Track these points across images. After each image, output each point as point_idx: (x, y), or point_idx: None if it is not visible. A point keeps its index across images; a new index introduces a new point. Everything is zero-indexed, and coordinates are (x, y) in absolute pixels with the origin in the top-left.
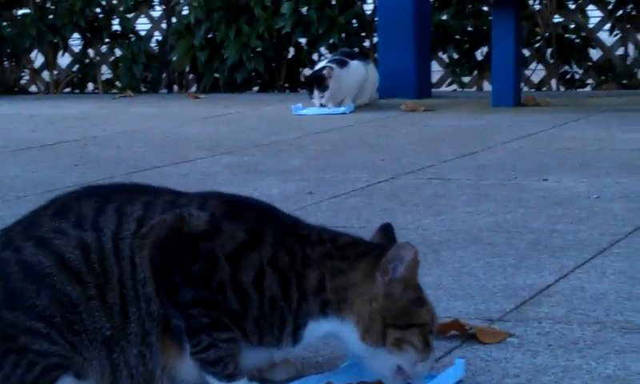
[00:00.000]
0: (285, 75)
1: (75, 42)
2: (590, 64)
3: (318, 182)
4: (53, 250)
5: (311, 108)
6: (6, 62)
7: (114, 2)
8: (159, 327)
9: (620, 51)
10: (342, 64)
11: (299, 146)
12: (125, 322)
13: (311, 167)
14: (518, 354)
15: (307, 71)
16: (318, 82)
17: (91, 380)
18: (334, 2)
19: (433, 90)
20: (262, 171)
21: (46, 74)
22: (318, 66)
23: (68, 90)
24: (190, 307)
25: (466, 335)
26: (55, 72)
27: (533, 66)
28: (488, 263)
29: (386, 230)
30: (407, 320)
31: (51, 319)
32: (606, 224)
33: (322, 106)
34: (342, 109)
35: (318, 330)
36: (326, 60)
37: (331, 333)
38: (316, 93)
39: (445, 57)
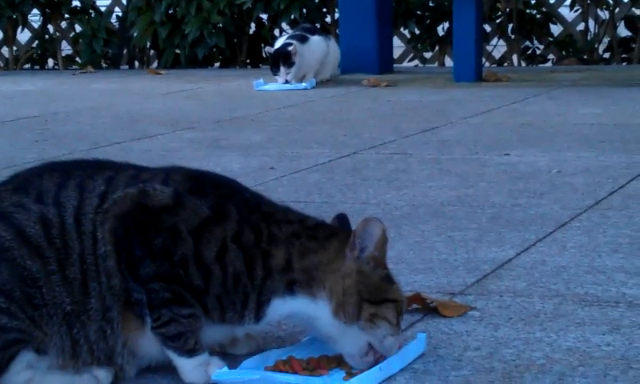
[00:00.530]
0: (246, 51)
1: (34, 17)
2: (550, 39)
3: (279, 157)
4: (13, 223)
5: (273, 84)
6: None
7: None
8: (120, 302)
9: (581, 26)
10: (303, 40)
11: (261, 122)
12: (85, 297)
13: (273, 143)
14: (480, 327)
15: (269, 48)
16: (284, 58)
17: (51, 355)
18: None
19: (395, 65)
20: (223, 147)
21: (5, 50)
22: (278, 42)
23: (28, 66)
24: (152, 281)
25: (428, 309)
26: (14, 48)
27: (494, 41)
28: (449, 237)
29: (341, 219)
30: (381, 295)
31: (11, 293)
32: (567, 198)
33: (286, 82)
34: (304, 84)
35: (283, 307)
36: (287, 36)
37: (298, 311)
38: (282, 69)
39: (406, 32)
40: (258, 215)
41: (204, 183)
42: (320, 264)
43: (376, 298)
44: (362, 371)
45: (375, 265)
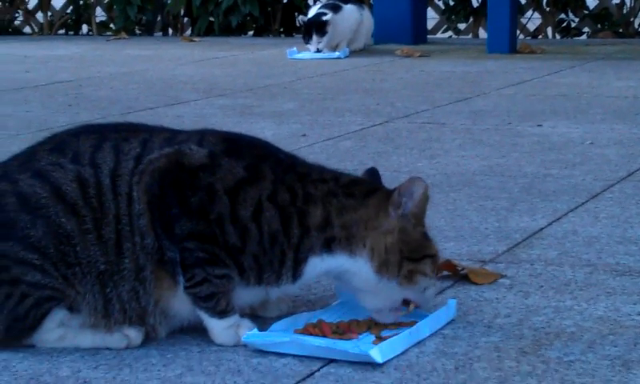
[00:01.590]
0: (280, 19)
1: None
2: (586, 12)
3: (311, 124)
4: (50, 181)
5: (306, 52)
6: None
7: None
8: (153, 261)
9: (616, 0)
10: (336, 9)
11: (293, 90)
12: (119, 258)
13: (305, 110)
14: (510, 295)
15: (302, 16)
16: (317, 27)
17: (84, 314)
18: None
19: (428, 36)
20: (255, 114)
21: (39, 15)
22: (311, 11)
23: (62, 31)
24: (187, 240)
25: (459, 276)
26: (49, 13)
27: (529, 13)
28: (481, 206)
29: (372, 173)
30: (421, 252)
31: (45, 250)
32: (600, 169)
33: (318, 50)
34: (337, 53)
35: (320, 265)
36: (320, 4)
37: (337, 268)
38: (315, 38)
39: (440, 3)
40: (292, 175)
41: (239, 145)
42: (360, 221)
43: (416, 254)
44: (391, 336)
45: (416, 222)
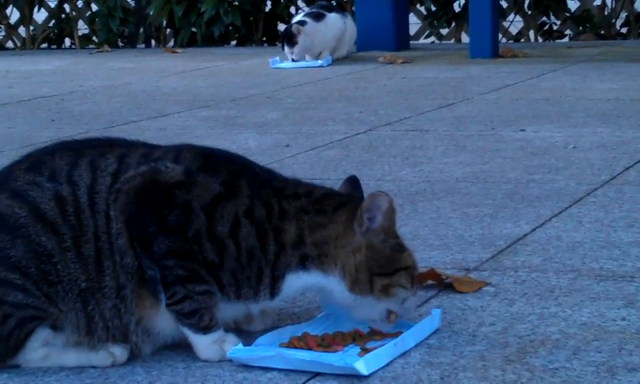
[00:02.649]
0: (262, 29)
1: None
2: (567, 15)
3: (295, 134)
4: (27, 201)
5: (288, 61)
6: None
7: None
8: (134, 280)
9: (598, 2)
10: (318, 17)
11: (276, 100)
12: (100, 275)
13: (288, 120)
14: (495, 303)
15: (283, 25)
16: (288, 38)
17: (67, 332)
18: None
19: (411, 42)
20: (239, 124)
21: (22, 30)
22: (294, 20)
23: (45, 45)
24: (166, 258)
25: (443, 285)
26: (31, 28)
27: (511, 17)
28: (465, 213)
29: (352, 182)
30: (393, 266)
31: (26, 270)
32: (583, 173)
33: (293, 60)
34: (320, 62)
35: (297, 282)
36: (303, 13)
37: (313, 285)
38: (286, 48)
39: (422, 9)
40: (268, 190)
41: (215, 160)
42: (330, 239)
43: (388, 269)
44: (376, 347)
45: (385, 236)
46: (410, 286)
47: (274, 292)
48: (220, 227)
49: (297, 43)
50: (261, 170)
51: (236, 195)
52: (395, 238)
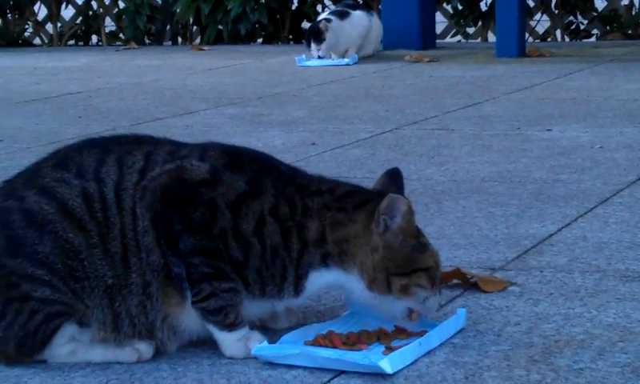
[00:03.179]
0: (289, 27)
1: None
2: (595, 14)
3: (321, 132)
4: (55, 197)
5: (315, 59)
6: (9, 15)
7: None
8: (160, 277)
9: (625, 1)
10: (343, 15)
11: (303, 98)
12: (126, 272)
13: (314, 118)
14: (520, 303)
15: (309, 23)
16: (315, 34)
17: (93, 327)
18: None
19: (437, 41)
20: (265, 122)
21: (49, 27)
22: (320, 17)
23: (72, 42)
24: (192, 255)
25: (468, 284)
26: (59, 24)
27: (537, 16)
28: (490, 213)
29: (393, 175)
30: (411, 266)
31: (53, 266)
32: (609, 173)
33: (319, 57)
34: (346, 60)
35: (320, 280)
36: (328, 11)
37: (335, 283)
38: (313, 45)
39: (449, 8)
40: (292, 188)
41: (240, 159)
42: (349, 237)
43: (406, 269)
44: (401, 346)
45: (404, 237)
46: (430, 286)
47: (298, 290)
48: (245, 225)
49: (324, 40)
50: (286, 168)
51: (261, 193)
52: (416, 238)
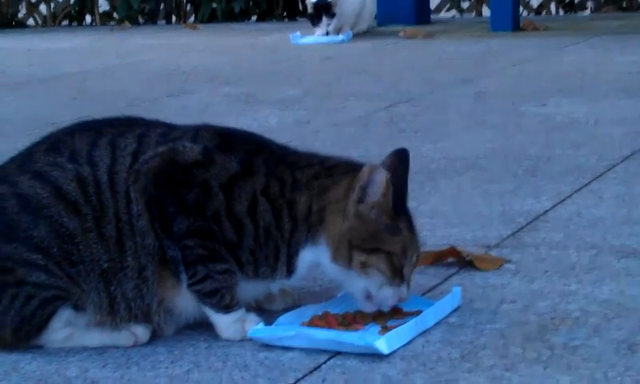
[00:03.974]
0: (283, 4)
1: None
2: None
3: (316, 110)
4: (50, 181)
5: (309, 37)
6: None
7: None
8: (155, 261)
9: None
10: None
11: (297, 76)
12: (121, 255)
13: (309, 96)
14: (515, 280)
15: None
16: (326, 9)
17: (89, 312)
18: None
19: (431, 16)
20: (260, 101)
21: (43, 7)
22: None
23: (65, 22)
24: (186, 237)
25: (463, 262)
26: (52, 5)
27: None
28: (485, 190)
29: (398, 154)
30: (373, 243)
31: (48, 250)
32: (604, 148)
33: (327, 33)
34: (341, 37)
35: (308, 257)
36: None
37: (313, 260)
38: (324, 20)
39: None
40: (283, 166)
41: (232, 139)
42: (328, 203)
43: (367, 245)
44: (397, 325)
45: (378, 212)
46: (390, 273)
47: (290, 269)
48: (238, 206)
49: (335, 15)
50: (277, 147)
51: (253, 173)
52: (393, 219)
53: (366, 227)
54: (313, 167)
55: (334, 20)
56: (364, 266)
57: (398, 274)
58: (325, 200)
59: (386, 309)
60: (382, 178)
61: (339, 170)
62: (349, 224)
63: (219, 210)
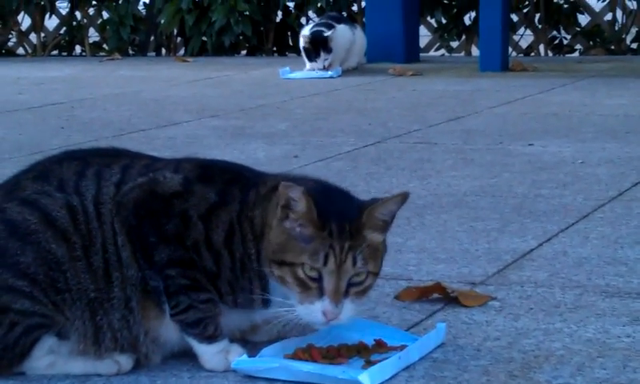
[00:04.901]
0: (273, 39)
1: (62, 4)
2: (578, 29)
3: (304, 145)
4: (39, 207)
5: (299, 72)
6: None
7: None
8: (138, 292)
9: (608, 16)
10: (329, 28)
11: (286, 110)
12: (108, 286)
13: (297, 131)
14: (500, 317)
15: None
16: (324, 44)
17: (72, 340)
18: None
19: (421, 54)
20: (248, 134)
21: (33, 37)
22: (304, 31)
23: (55, 52)
24: (168, 267)
25: (448, 298)
26: (42, 34)
27: (521, 31)
28: (471, 227)
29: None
30: (280, 256)
31: (35, 277)
32: (591, 189)
33: (324, 68)
34: (330, 73)
35: (274, 284)
36: (313, 24)
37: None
38: (322, 55)
39: (433, 21)
40: (254, 191)
41: (212, 170)
42: (267, 218)
43: (276, 257)
44: (380, 360)
45: (305, 222)
46: (298, 287)
47: (265, 300)
48: (215, 236)
49: (332, 50)
50: (252, 174)
51: (229, 202)
52: (318, 229)
53: (280, 240)
54: (275, 179)
55: (331, 55)
56: (281, 280)
57: (310, 286)
58: (267, 214)
59: (314, 326)
60: (297, 193)
61: (270, 190)
62: (270, 237)
63: (198, 240)
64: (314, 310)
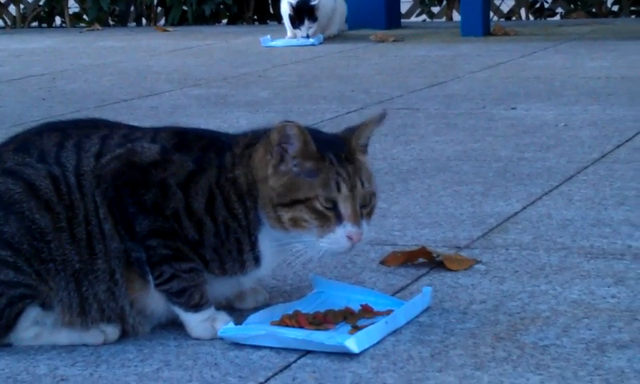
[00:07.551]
0: (253, 7)
1: None
2: None
3: (286, 112)
4: (22, 177)
5: (280, 40)
6: None
7: None
8: (122, 264)
9: None
10: None
11: (268, 78)
12: (92, 258)
13: (280, 99)
14: (485, 281)
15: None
16: (309, 12)
17: (57, 310)
18: None
19: (402, 20)
20: (230, 103)
21: (12, 8)
22: None
23: (35, 24)
24: (149, 238)
25: (434, 263)
26: (22, 6)
27: None
28: (456, 191)
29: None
30: (291, 196)
31: (18, 246)
32: (574, 151)
33: (308, 36)
34: (311, 40)
35: (266, 241)
36: None
37: (271, 240)
38: (306, 23)
39: None
40: (230, 151)
41: (189, 138)
42: (257, 171)
43: (285, 200)
44: (367, 325)
45: (302, 160)
46: (318, 220)
47: (256, 257)
48: (196, 203)
49: (317, 18)
50: (226, 138)
51: (207, 169)
52: (317, 161)
53: (282, 182)
54: (246, 137)
55: (316, 24)
56: (294, 221)
57: (328, 216)
58: (254, 169)
59: (341, 250)
60: (293, 130)
61: (250, 144)
62: (269, 185)
63: (178, 208)
64: (337, 238)
